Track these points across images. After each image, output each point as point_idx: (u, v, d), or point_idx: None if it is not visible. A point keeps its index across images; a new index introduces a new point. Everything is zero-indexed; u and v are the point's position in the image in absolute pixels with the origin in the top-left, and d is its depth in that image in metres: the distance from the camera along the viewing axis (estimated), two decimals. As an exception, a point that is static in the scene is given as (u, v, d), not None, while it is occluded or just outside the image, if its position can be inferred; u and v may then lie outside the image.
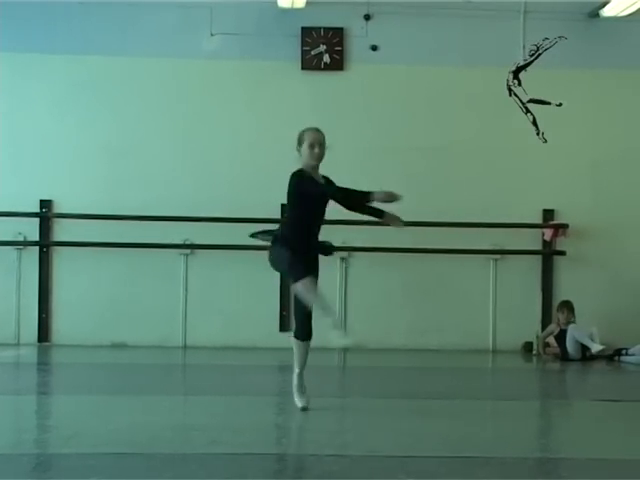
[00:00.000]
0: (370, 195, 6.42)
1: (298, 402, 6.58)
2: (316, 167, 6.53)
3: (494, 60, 10.37)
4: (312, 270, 6.44)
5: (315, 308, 6.33)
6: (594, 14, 10.84)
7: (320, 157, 6.49)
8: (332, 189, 6.48)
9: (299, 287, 6.24)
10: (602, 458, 5.41)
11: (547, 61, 10.05)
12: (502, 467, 5.12)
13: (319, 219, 6.57)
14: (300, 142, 6.52)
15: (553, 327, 10.53)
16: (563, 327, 10.39)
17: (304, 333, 6.58)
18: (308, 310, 6.45)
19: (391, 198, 6.45)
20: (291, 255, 6.33)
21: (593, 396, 7.96)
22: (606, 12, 10.68)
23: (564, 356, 10.28)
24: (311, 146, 6.45)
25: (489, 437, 6.03)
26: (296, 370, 6.67)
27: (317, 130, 6.54)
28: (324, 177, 6.59)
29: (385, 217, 6.69)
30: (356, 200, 6.58)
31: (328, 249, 6.70)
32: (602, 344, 10.24)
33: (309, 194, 6.41)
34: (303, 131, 6.54)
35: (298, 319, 6.61)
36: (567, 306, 10.43)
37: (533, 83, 9.94)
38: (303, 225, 6.48)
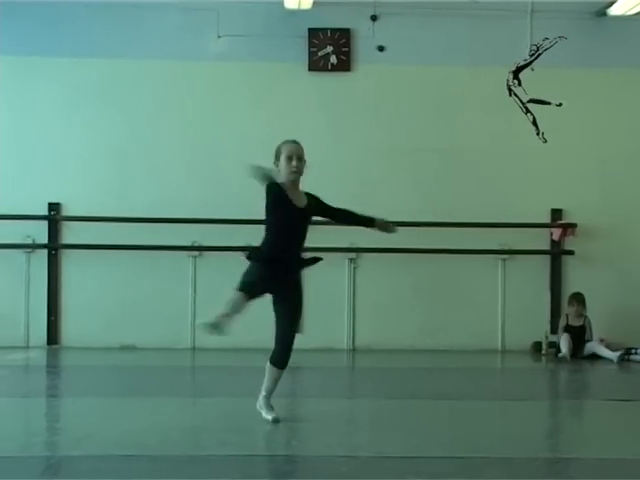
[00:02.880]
0: (373, 221, 6.41)
1: (268, 415, 6.25)
2: (295, 182, 6.18)
3: (501, 60, 10.34)
4: (271, 287, 6.16)
5: (227, 309, 6.04)
6: (601, 13, 10.82)
7: (299, 171, 6.15)
8: (308, 212, 6.19)
9: (233, 295, 6.00)
10: (612, 458, 5.40)
11: (554, 60, 10.06)
12: (511, 467, 5.12)
13: (296, 237, 6.22)
14: (277, 156, 6.19)
15: (563, 320, 10.50)
16: (572, 323, 10.38)
17: (282, 361, 6.25)
18: (289, 341, 6.20)
19: (389, 230, 6.43)
20: (255, 265, 6.13)
21: (603, 396, 7.94)
22: (613, 11, 10.65)
23: (575, 354, 10.27)
24: (289, 159, 6.12)
25: (498, 437, 6.02)
26: (263, 393, 6.34)
27: (295, 142, 6.22)
28: (307, 194, 6.25)
29: (376, 224, 6.46)
30: (354, 221, 6.52)
31: (309, 261, 6.31)
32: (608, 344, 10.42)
33: (282, 212, 6.13)
34: (280, 144, 6.23)
35: (277, 347, 6.25)
36: (577, 299, 10.43)
37: (540, 82, 9.96)
38: (277, 240, 6.19)
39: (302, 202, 6.21)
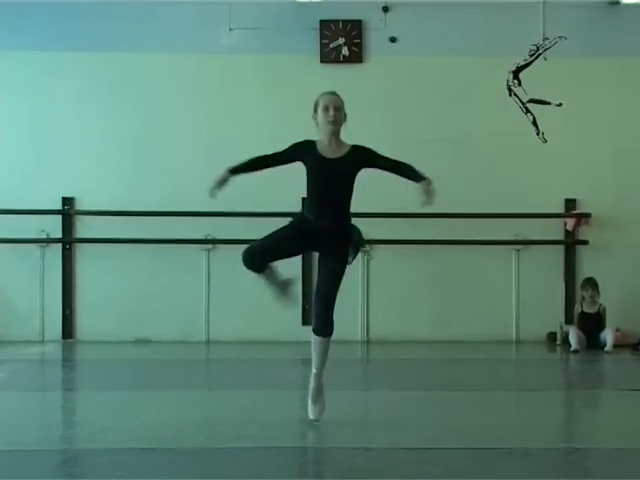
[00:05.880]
0: (423, 180, 6.03)
1: (310, 412, 6.06)
2: (335, 134, 6.04)
3: (514, 50, 10.32)
4: (303, 246, 6.16)
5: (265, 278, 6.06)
6: (614, 1, 10.77)
7: (336, 121, 5.99)
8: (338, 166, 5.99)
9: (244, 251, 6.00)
10: (628, 448, 5.39)
11: (569, 49, 10.02)
12: (527, 458, 5.12)
13: (328, 191, 6.01)
14: (315, 108, 6.10)
15: (577, 307, 10.50)
16: (587, 310, 10.37)
17: (318, 326, 5.96)
18: (327, 302, 5.92)
19: (431, 198, 5.96)
20: (287, 226, 6.10)
21: (618, 385, 7.93)
22: (626, -1, 10.63)
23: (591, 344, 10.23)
24: (325, 109, 6.00)
25: (514, 428, 6.02)
26: (313, 370, 6.11)
27: (333, 93, 6.12)
28: (353, 146, 6.11)
29: (424, 185, 6.00)
30: (405, 175, 6.22)
31: (354, 243, 6.09)
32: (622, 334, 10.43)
33: (310, 165, 6.04)
34: (318, 96, 6.12)
35: (315, 311, 6.01)
36: (590, 283, 10.40)
37: (554, 72, 9.92)
38: (311, 198, 6.08)
39: (337, 154, 6.04)
